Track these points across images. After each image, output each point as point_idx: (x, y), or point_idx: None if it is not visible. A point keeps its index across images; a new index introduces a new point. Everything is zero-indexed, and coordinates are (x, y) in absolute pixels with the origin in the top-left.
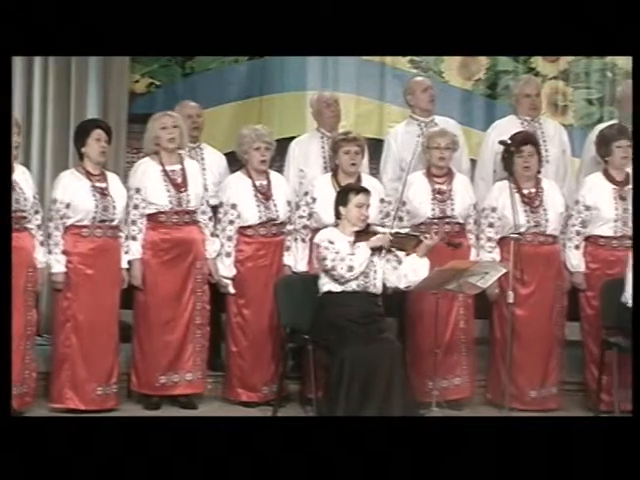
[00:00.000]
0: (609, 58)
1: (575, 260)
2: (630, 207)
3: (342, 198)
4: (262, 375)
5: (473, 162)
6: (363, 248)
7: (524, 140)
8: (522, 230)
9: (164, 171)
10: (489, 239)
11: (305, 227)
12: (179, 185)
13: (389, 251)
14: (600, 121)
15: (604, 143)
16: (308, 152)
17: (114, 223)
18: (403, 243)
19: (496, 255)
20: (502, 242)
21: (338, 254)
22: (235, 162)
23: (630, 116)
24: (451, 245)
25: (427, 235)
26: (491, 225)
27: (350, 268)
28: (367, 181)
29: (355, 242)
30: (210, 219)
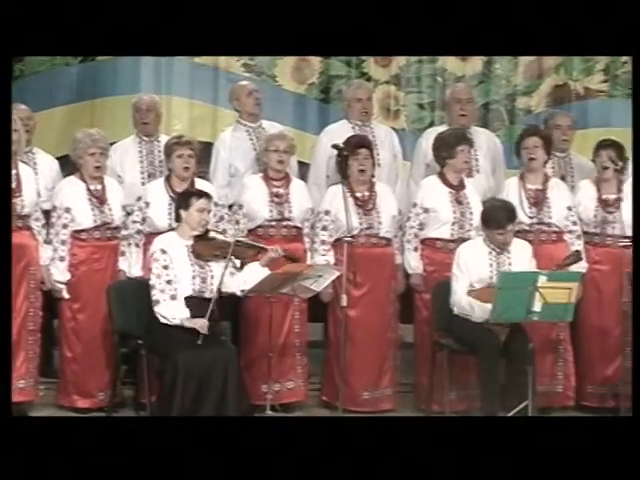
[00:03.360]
0: (439, 63)
1: (413, 262)
2: (467, 211)
3: (183, 201)
4: (97, 380)
5: (306, 165)
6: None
7: (359, 143)
8: (355, 233)
9: None
10: (323, 242)
11: (139, 232)
12: (13, 190)
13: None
14: (431, 125)
15: (445, 147)
16: (126, 157)
17: None
18: (242, 252)
19: (330, 258)
20: (336, 245)
21: (165, 269)
22: (67, 165)
23: (458, 118)
24: (289, 259)
25: (273, 247)
26: (325, 228)
27: (172, 297)
28: (200, 185)
29: (194, 247)
30: (43, 226)
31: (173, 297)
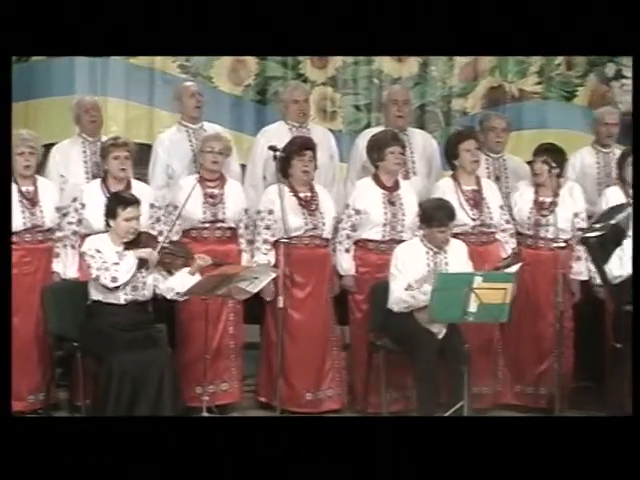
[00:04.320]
0: (375, 65)
1: (345, 263)
2: (400, 212)
3: (110, 210)
4: (29, 383)
5: (243, 167)
6: (129, 258)
7: (304, 145)
8: (299, 233)
9: None
10: (265, 241)
11: (75, 233)
12: None
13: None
14: (368, 127)
15: (376, 148)
16: (69, 158)
17: None
18: (172, 259)
19: (272, 257)
20: (277, 245)
21: (104, 263)
22: None
23: (395, 120)
24: (218, 266)
25: (200, 255)
26: (268, 227)
27: (114, 279)
28: (137, 186)
29: (125, 249)
30: None
31: (114, 279)
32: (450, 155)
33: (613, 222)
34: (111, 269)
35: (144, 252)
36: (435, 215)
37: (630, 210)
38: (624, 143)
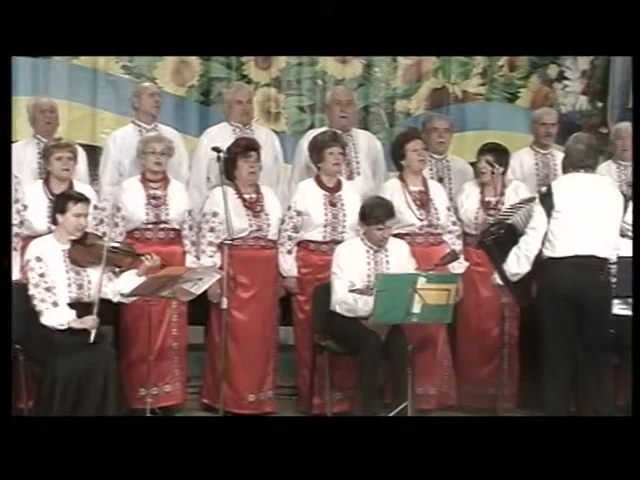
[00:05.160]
0: (319, 66)
1: (287, 265)
2: (341, 213)
3: (60, 205)
4: None
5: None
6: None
7: (250, 146)
8: (244, 235)
9: None
10: (210, 243)
11: (16, 235)
12: None
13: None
14: (312, 128)
15: (316, 149)
16: (23, 158)
17: None
18: (118, 259)
19: (217, 259)
20: (221, 247)
21: (42, 277)
22: None
23: (338, 120)
24: (166, 267)
25: (148, 256)
26: (212, 230)
27: (54, 304)
28: (80, 188)
29: (70, 253)
30: None
31: (55, 303)
32: (397, 156)
33: (509, 222)
34: (50, 286)
35: (83, 322)
36: (373, 213)
37: (530, 206)
38: (562, 143)
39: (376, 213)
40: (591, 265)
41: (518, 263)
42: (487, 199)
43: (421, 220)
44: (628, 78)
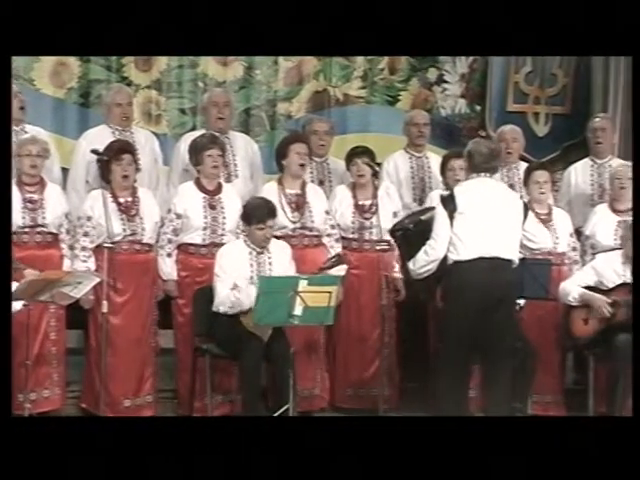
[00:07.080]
0: (200, 68)
1: (167, 268)
2: (221, 216)
3: None
4: None
5: (65, 171)
6: None
7: (122, 149)
8: (118, 239)
9: None
10: (84, 248)
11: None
12: None
13: None
14: (193, 130)
15: (195, 152)
16: None
17: None
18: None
19: (91, 264)
20: (97, 251)
21: None
22: None
23: (216, 122)
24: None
25: (29, 270)
26: (86, 234)
27: None
28: None
29: None
30: None
31: None
32: (280, 154)
33: (423, 218)
34: None
35: None
36: (253, 213)
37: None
38: (442, 146)
39: (256, 213)
40: (496, 266)
41: (423, 266)
42: (360, 202)
43: (294, 222)
44: (507, 81)
